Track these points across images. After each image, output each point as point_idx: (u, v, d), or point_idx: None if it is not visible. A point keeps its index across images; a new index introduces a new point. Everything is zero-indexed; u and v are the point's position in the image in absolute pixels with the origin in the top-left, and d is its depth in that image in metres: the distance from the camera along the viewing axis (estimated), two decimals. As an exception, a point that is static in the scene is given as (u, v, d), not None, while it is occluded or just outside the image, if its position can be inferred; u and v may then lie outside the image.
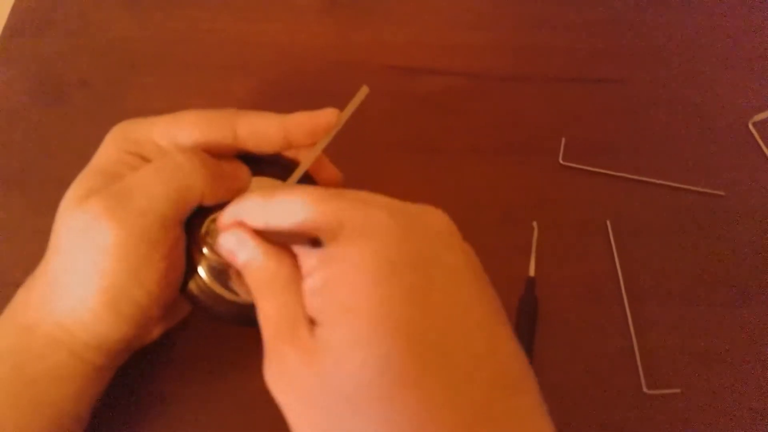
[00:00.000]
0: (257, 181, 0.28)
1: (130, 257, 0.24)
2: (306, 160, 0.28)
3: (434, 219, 0.22)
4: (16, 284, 0.26)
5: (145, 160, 0.27)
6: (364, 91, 0.28)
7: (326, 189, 0.23)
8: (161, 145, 0.27)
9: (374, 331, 0.19)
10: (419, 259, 0.20)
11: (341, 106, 0.28)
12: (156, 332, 0.29)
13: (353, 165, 0.31)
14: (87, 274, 0.24)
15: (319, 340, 0.20)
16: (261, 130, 0.27)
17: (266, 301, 0.22)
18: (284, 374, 0.20)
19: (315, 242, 0.21)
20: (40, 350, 0.24)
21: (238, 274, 0.26)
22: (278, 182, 0.28)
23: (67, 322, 0.24)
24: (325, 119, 0.27)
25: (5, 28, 0.43)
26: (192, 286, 0.27)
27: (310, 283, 0.21)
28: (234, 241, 0.24)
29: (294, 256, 0.23)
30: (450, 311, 0.20)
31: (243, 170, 0.28)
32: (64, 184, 0.26)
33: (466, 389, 0.19)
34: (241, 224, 0.24)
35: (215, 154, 0.27)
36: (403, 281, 0.19)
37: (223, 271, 0.27)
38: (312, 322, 0.20)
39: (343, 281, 0.20)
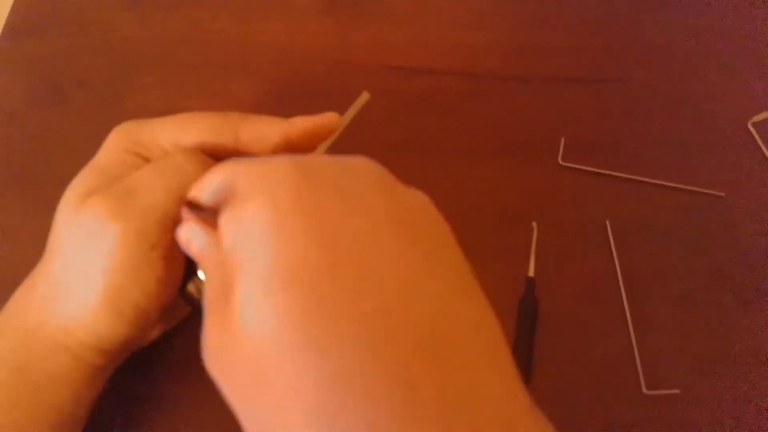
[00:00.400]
0: None
1: (130, 257, 0.24)
2: None
3: (354, 168, 0.21)
4: (16, 285, 0.26)
5: (147, 161, 0.27)
6: (364, 97, 0.28)
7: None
8: (164, 146, 0.27)
9: (270, 285, 0.18)
10: (322, 205, 0.19)
11: (341, 106, 0.28)
12: (155, 333, 0.29)
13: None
14: (87, 273, 0.24)
15: (232, 304, 0.19)
16: (263, 133, 0.27)
17: (206, 280, 0.22)
18: (214, 349, 0.20)
19: (210, 211, 0.21)
20: (41, 352, 0.24)
21: None
22: None
23: (68, 323, 0.24)
24: (325, 123, 0.27)
25: (5, 28, 0.43)
26: (191, 288, 0.27)
27: (221, 252, 0.20)
28: (186, 232, 0.23)
29: None
30: (352, 260, 0.18)
31: None
32: (63, 184, 0.26)
33: (383, 340, 0.17)
34: (190, 216, 0.24)
35: (216, 157, 0.27)
36: (294, 230, 0.18)
37: None
38: (230, 290, 0.19)
39: (244, 237, 0.19)
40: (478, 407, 0.17)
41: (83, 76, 0.41)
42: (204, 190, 0.23)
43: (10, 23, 0.44)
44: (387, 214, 0.20)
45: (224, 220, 0.20)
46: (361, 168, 0.21)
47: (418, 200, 0.22)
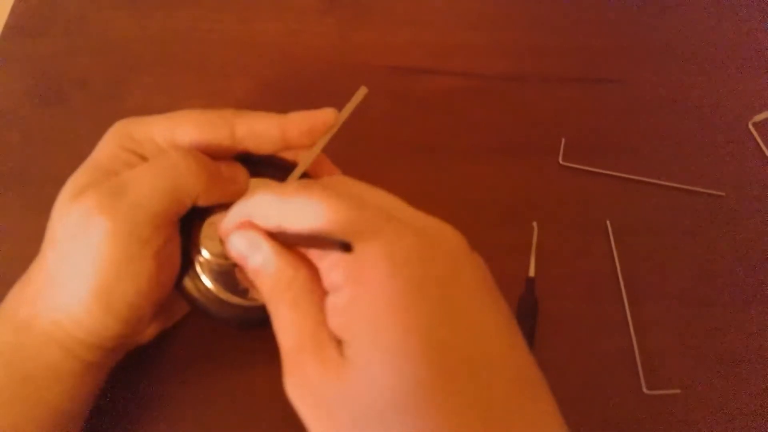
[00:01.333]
0: (254, 182, 0.28)
1: (119, 252, 0.24)
2: (304, 160, 0.28)
3: (450, 237, 0.22)
4: (14, 284, 0.26)
5: (143, 158, 0.27)
6: (362, 92, 0.28)
7: (344, 189, 0.23)
8: (159, 144, 0.27)
9: (403, 348, 0.19)
10: (441, 278, 0.21)
11: (342, 107, 0.28)
12: (151, 332, 0.29)
13: (353, 165, 0.31)
14: (79, 268, 0.24)
15: (347, 358, 0.20)
16: (259, 130, 0.27)
17: (283, 310, 0.22)
18: (308, 387, 0.21)
19: (345, 246, 0.19)
20: (34, 347, 0.24)
21: (245, 275, 0.26)
22: (276, 183, 0.28)
23: (60, 317, 0.24)
24: (323, 119, 0.27)
25: (5, 28, 0.43)
26: (190, 287, 0.27)
27: (334, 301, 0.21)
28: (245, 244, 0.23)
29: (310, 262, 0.22)
30: (471, 325, 0.20)
31: (241, 172, 0.28)
32: (62, 184, 0.26)
33: (489, 398, 0.19)
34: (251, 225, 0.23)
35: (213, 154, 0.27)
36: (427, 300, 0.20)
37: (223, 273, 0.27)
38: (337, 339, 0.21)
39: (371, 301, 0.20)
40: None
41: (83, 76, 0.41)
42: (313, 217, 0.21)
43: (10, 23, 0.44)
44: (482, 282, 0.22)
45: (347, 273, 0.21)
46: (455, 240, 0.23)
47: (479, 258, 0.23)
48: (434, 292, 0.20)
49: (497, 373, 0.20)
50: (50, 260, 0.25)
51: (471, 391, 0.19)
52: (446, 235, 0.22)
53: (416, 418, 0.19)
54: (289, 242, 0.23)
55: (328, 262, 0.21)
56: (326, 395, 0.20)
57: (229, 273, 0.27)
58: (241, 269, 0.25)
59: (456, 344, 0.20)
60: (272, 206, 0.23)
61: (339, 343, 0.20)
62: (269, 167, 0.29)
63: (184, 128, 0.27)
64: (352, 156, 0.32)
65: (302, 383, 0.21)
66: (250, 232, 0.23)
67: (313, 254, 0.22)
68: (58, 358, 0.24)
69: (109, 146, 0.27)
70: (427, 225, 0.22)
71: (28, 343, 0.24)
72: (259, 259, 0.23)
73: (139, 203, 0.24)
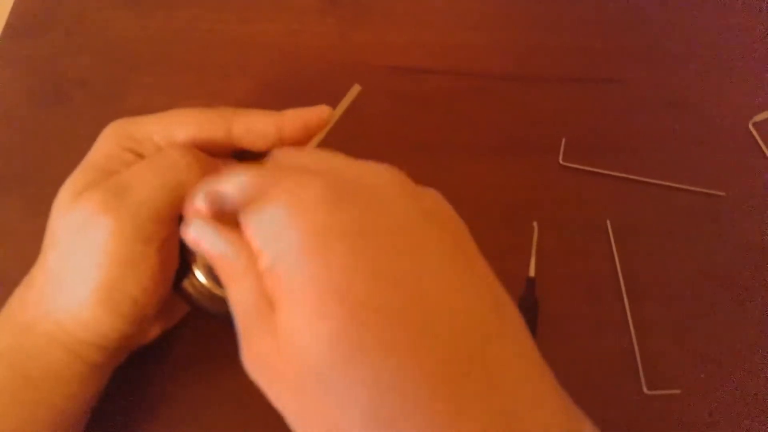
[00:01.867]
0: None
1: (124, 251, 0.24)
2: None
3: (378, 176, 0.22)
4: (16, 284, 0.26)
5: (141, 157, 0.27)
6: (355, 89, 0.28)
7: (271, 162, 0.23)
8: (157, 142, 0.27)
9: (315, 306, 0.18)
10: (353, 225, 0.20)
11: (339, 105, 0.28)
12: (153, 332, 0.29)
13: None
14: (83, 268, 0.24)
15: (278, 321, 0.20)
16: (255, 127, 0.27)
17: (231, 287, 0.22)
18: (258, 357, 0.20)
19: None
20: (37, 349, 0.24)
21: None
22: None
23: (64, 318, 0.24)
24: (318, 116, 0.27)
25: (5, 28, 0.43)
26: (187, 285, 0.27)
27: (260, 266, 0.21)
28: (195, 229, 0.23)
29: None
30: (393, 269, 0.19)
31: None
32: (63, 184, 0.26)
33: (429, 346, 0.18)
34: (199, 211, 0.23)
35: (211, 151, 0.27)
36: (335, 250, 0.19)
37: None
38: (271, 303, 0.20)
39: (287, 264, 0.19)
40: (528, 420, 0.19)
41: (83, 76, 0.41)
42: (226, 188, 0.22)
43: (10, 23, 0.44)
44: (419, 218, 0.21)
45: (264, 235, 0.20)
46: (385, 174, 0.22)
47: (434, 198, 0.23)
48: (342, 240, 0.19)
49: (435, 317, 0.19)
50: (52, 261, 0.25)
51: (403, 341, 0.18)
52: (371, 176, 0.21)
53: (350, 379, 0.18)
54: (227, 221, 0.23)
55: (254, 227, 0.21)
56: (271, 362, 0.20)
57: None
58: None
59: (370, 290, 0.18)
60: (206, 187, 0.23)
61: (272, 307, 0.20)
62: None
63: (182, 126, 0.27)
64: (351, 155, 0.32)
65: (252, 354, 0.21)
66: (197, 218, 0.23)
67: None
68: (62, 360, 0.24)
69: (106, 145, 0.27)
70: (353, 171, 0.21)
71: (31, 344, 0.24)
72: (207, 244, 0.23)
73: (141, 201, 0.24)
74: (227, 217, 0.23)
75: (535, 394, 0.20)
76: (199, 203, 0.23)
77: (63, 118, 0.40)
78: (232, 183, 0.22)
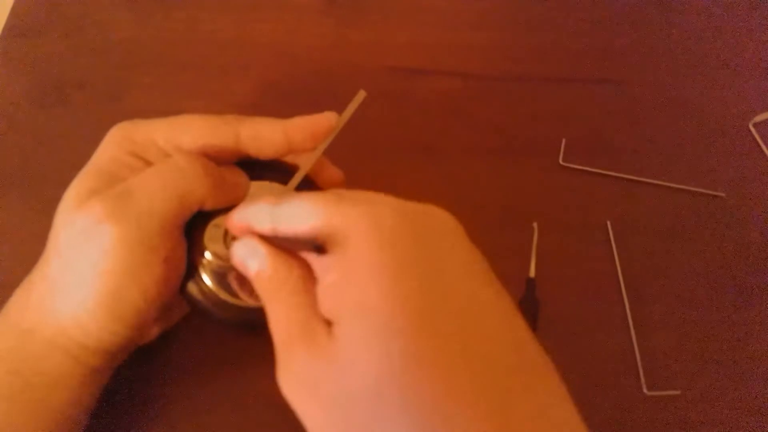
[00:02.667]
0: (256, 186, 0.28)
1: (129, 260, 0.24)
2: (305, 163, 0.28)
3: (439, 217, 0.22)
4: (15, 285, 0.26)
5: (146, 161, 0.27)
6: (361, 95, 0.28)
7: (333, 192, 0.23)
8: (162, 147, 0.27)
9: (390, 325, 0.19)
10: (427, 254, 0.20)
11: (341, 107, 0.28)
12: (153, 333, 0.29)
13: (354, 166, 0.31)
14: (86, 276, 0.24)
15: (335, 338, 0.20)
16: (263, 135, 0.27)
17: (276, 306, 0.22)
18: (299, 377, 0.20)
19: (319, 249, 0.21)
20: (39, 354, 0.24)
21: (240, 278, 0.26)
22: (278, 186, 0.28)
23: (66, 324, 0.24)
24: (324, 123, 0.27)
25: (5, 28, 0.43)
26: (194, 290, 0.27)
27: (323, 284, 0.21)
28: (245, 250, 0.24)
29: (304, 262, 0.23)
30: (463, 301, 0.20)
31: (242, 177, 0.28)
32: (63, 185, 0.26)
33: (488, 376, 0.19)
34: (250, 231, 0.24)
35: (216, 158, 0.27)
36: (414, 276, 0.20)
37: (225, 275, 0.27)
38: (327, 323, 0.20)
39: (356, 280, 0.20)
40: None
41: (83, 76, 0.41)
42: (300, 218, 0.22)
43: (10, 24, 0.43)
44: (474, 260, 0.22)
45: (335, 258, 0.21)
46: (444, 220, 0.23)
47: (476, 248, 0.23)
48: (421, 268, 0.20)
49: (495, 351, 0.19)
50: (55, 267, 0.25)
51: (465, 370, 0.19)
52: (436, 215, 0.22)
53: (407, 401, 0.18)
54: (281, 245, 0.23)
55: (321, 259, 0.22)
56: (316, 382, 0.20)
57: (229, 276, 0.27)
58: (235, 273, 0.26)
59: (443, 318, 0.19)
60: (266, 211, 0.23)
61: (329, 326, 0.20)
62: (270, 171, 0.29)
63: (188, 132, 0.27)
64: (351, 157, 0.32)
65: (292, 374, 0.21)
66: (249, 239, 0.24)
67: (308, 255, 0.23)
68: (63, 364, 0.24)
69: (110, 150, 0.27)
70: (419, 208, 0.22)
71: (32, 349, 0.24)
72: (256, 264, 0.23)
73: (147, 210, 0.24)
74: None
75: None
76: (257, 225, 0.23)
77: (63, 118, 0.40)
78: (304, 213, 0.22)
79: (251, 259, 0.23)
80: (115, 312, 0.24)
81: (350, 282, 0.20)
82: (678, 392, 0.33)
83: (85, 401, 0.26)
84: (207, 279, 0.27)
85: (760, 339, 0.35)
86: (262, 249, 0.23)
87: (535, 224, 0.38)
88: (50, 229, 0.25)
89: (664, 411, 0.33)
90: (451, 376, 0.18)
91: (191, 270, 0.27)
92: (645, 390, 0.33)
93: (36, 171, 0.38)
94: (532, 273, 0.36)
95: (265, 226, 0.23)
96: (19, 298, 0.26)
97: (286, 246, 0.23)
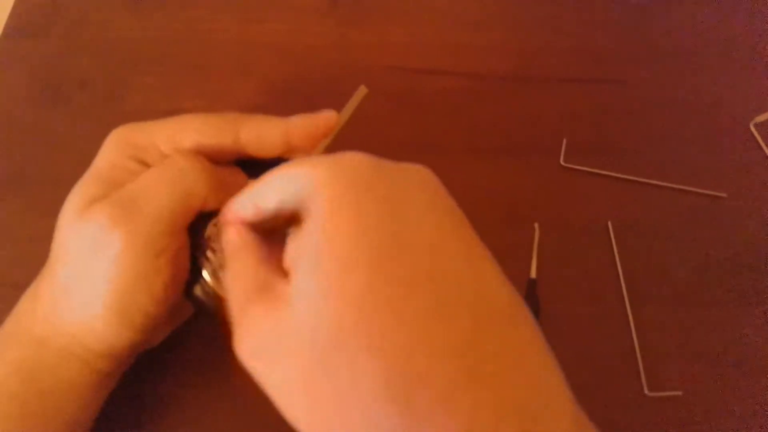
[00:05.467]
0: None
1: (136, 265, 0.23)
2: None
3: (417, 173, 0.22)
4: (16, 285, 0.26)
5: (146, 165, 0.26)
6: (362, 91, 0.28)
7: (301, 158, 0.23)
8: (162, 149, 0.27)
9: (346, 275, 0.18)
10: (390, 201, 0.19)
11: (342, 106, 0.28)
12: (161, 335, 0.29)
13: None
14: (95, 283, 0.24)
15: (293, 288, 0.19)
16: (263, 134, 0.27)
17: (234, 267, 0.22)
18: (258, 338, 0.19)
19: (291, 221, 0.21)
20: (53, 362, 0.24)
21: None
22: None
23: (78, 332, 0.24)
24: (324, 121, 0.27)
25: (5, 28, 0.43)
26: (197, 290, 0.27)
27: (290, 237, 0.21)
28: (234, 238, 0.23)
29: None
30: (428, 249, 0.19)
31: (240, 176, 0.28)
32: (63, 185, 0.26)
33: (453, 325, 0.18)
34: (238, 220, 0.23)
35: (216, 158, 0.27)
36: (375, 225, 0.19)
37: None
38: (284, 273, 0.20)
39: (315, 228, 0.19)
40: (540, 423, 0.18)
41: (83, 76, 0.41)
42: (275, 190, 0.22)
43: (10, 24, 0.43)
44: (443, 208, 0.21)
45: (302, 214, 0.20)
46: (419, 174, 0.22)
47: (454, 203, 0.23)
48: (384, 218, 0.19)
49: (461, 298, 0.18)
50: (62, 276, 0.25)
51: (428, 319, 0.18)
52: (413, 170, 0.22)
53: (369, 353, 0.17)
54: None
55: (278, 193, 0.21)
56: (275, 337, 0.19)
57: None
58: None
59: (405, 266, 0.18)
60: (247, 196, 0.23)
61: (287, 278, 0.20)
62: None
63: (188, 133, 0.26)
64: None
65: (249, 336, 0.20)
66: (235, 226, 0.23)
67: None
68: (76, 371, 0.25)
69: (110, 154, 0.26)
70: (393, 164, 0.22)
71: (46, 358, 0.24)
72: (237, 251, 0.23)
73: (152, 215, 0.24)
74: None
75: (549, 396, 0.19)
76: (243, 213, 0.23)
77: (63, 118, 0.40)
78: (270, 184, 0.22)
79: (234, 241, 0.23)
80: (126, 317, 0.24)
81: (310, 231, 0.19)
82: (679, 393, 0.33)
83: (95, 405, 0.26)
84: (209, 278, 0.27)
85: (761, 339, 0.35)
86: (242, 229, 0.23)
87: (536, 225, 0.38)
88: (53, 236, 0.25)
89: (665, 412, 0.33)
90: (412, 327, 0.17)
91: (193, 270, 0.27)
92: (646, 391, 0.33)
93: (36, 171, 0.38)
94: (533, 273, 0.36)
95: (249, 212, 0.23)
96: (27, 307, 0.25)
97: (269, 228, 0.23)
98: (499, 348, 0.18)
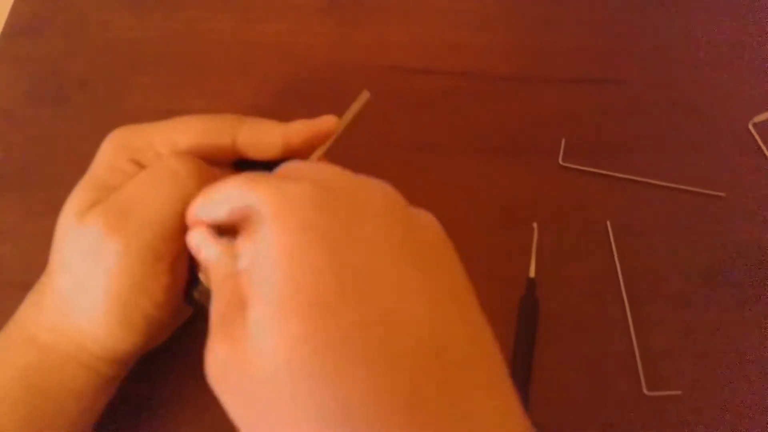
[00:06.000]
0: None
1: (136, 271, 0.24)
2: None
3: (369, 191, 0.21)
4: (16, 285, 0.26)
5: (143, 167, 0.26)
6: (364, 96, 0.27)
7: (257, 172, 0.23)
8: (159, 151, 0.26)
9: (284, 310, 0.18)
10: (343, 234, 0.19)
11: (342, 106, 0.28)
12: (162, 336, 0.29)
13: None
14: (94, 290, 0.24)
15: (246, 320, 0.19)
16: (261, 138, 0.27)
17: (215, 296, 0.22)
18: (217, 364, 0.20)
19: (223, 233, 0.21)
20: (57, 368, 0.24)
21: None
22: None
23: (80, 338, 0.24)
24: (324, 127, 0.27)
25: (5, 28, 0.43)
26: (197, 295, 0.27)
27: (239, 265, 0.20)
28: (197, 239, 0.23)
29: None
30: (369, 281, 0.18)
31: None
32: (63, 185, 0.26)
33: (397, 365, 0.17)
34: (199, 222, 0.23)
35: (214, 160, 0.27)
36: (314, 252, 0.18)
37: None
38: (244, 308, 0.20)
39: (261, 261, 0.19)
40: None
41: (83, 76, 0.41)
42: (219, 203, 0.22)
43: (10, 23, 0.43)
44: (395, 236, 0.20)
45: (242, 239, 0.21)
46: (377, 188, 0.21)
47: (426, 219, 0.22)
48: (322, 244, 0.19)
49: (406, 337, 0.18)
50: (63, 283, 0.25)
51: (367, 359, 0.17)
52: (367, 189, 0.21)
53: (305, 391, 0.17)
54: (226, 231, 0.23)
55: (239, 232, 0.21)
56: (228, 367, 0.19)
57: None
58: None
59: (343, 302, 0.18)
60: (201, 202, 0.23)
61: (244, 308, 0.19)
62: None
63: (186, 134, 0.26)
64: (352, 156, 0.32)
65: (213, 361, 0.20)
66: (199, 227, 0.23)
67: None
68: (80, 376, 0.25)
69: (107, 157, 0.26)
70: (344, 183, 0.21)
71: (50, 364, 0.24)
72: (204, 252, 0.23)
73: (149, 220, 0.24)
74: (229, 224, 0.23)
75: (495, 424, 0.19)
76: (195, 214, 0.23)
77: (63, 118, 0.40)
78: (223, 190, 0.22)
79: (201, 246, 0.23)
80: (129, 322, 0.24)
81: (258, 264, 0.19)
82: (678, 392, 0.33)
83: (97, 409, 0.26)
84: (203, 279, 0.27)
85: (761, 339, 0.35)
86: (209, 237, 0.23)
87: (535, 224, 0.38)
88: (53, 242, 0.25)
89: (664, 411, 0.33)
90: (350, 368, 0.17)
91: (190, 272, 0.27)
92: (645, 390, 0.33)
93: (36, 171, 0.38)
94: (532, 273, 0.36)
95: (204, 216, 0.23)
96: (28, 315, 0.25)
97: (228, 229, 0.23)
98: (446, 397, 0.18)
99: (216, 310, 0.21)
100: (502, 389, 0.20)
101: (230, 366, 0.19)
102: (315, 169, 0.23)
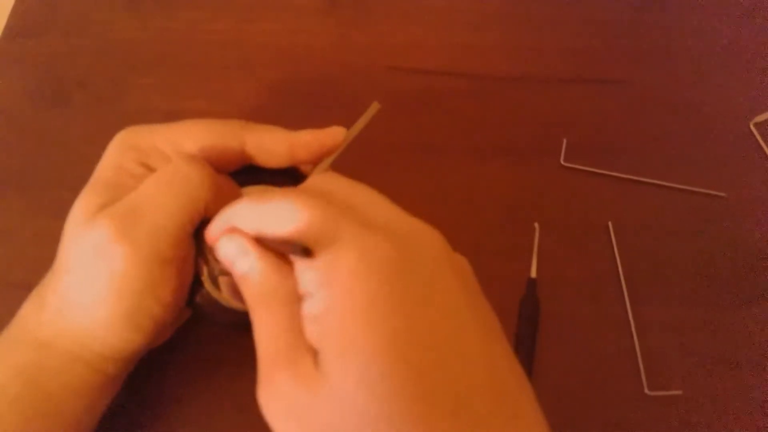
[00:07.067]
0: (252, 189, 0.28)
1: (143, 276, 0.23)
2: (313, 175, 0.28)
3: (429, 241, 0.22)
4: (16, 285, 0.26)
5: (151, 168, 0.26)
6: (374, 108, 0.27)
7: (318, 192, 0.22)
8: (165, 154, 0.26)
9: (377, 366, 0.18)
10: (414, 288, 0.20)
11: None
12: (165, 336, 0.29)
13: (354, 165, 0.31)
14: (102, 294, 0.24)
15: (321, 372, 0.19)
16: (268, 146, 0.27)
17: (264, 316, 0.21)
18: (281, 401, 0.20)
19: (306, 251, 0.20)
20: (57, 365, 0.24)
21: (232, 283, 0.25)
22: (273, 189, 0.28)
23: (84, 337, 0.24)
24: (331, 139, 0.27)
25: (5, 28, 0.43)
26: (200, 299, 0.27)
27: (308, 308, 0.20)
28: (233, 249, 0.23)
29: (293, 270, 0.22)
30: (449, 340, 0.20)
31: (233, 185, 0.28)
32: (63, 185, 0.26)
33: (467, 417, 0.19)
34: (237, 230, 0.23)
35: (218, 165, 0.27)
36: (399, 313, 0.19)
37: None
38: (312, 351, 0.20)
39: (344, 311, 0.19)
40: None
41: (83, 76, 0.41)
42: (283, 218, 0.21)
43: (10, 24, 0.43)
44: (462, 289, 0.21)
45: (320, 277, 0.20)
46: (434, 244, 0.22)
47: (463, 261, 0.23)
48: (407, 304, 0.19)
49: (475, 389, 0.19)
50: (68, 285, 0.24)
51: (447, 413, 0.19)
52: (425, 242, 0.22)
53: None
54: (269, 248, 0.22)
55: (302, 265, 0.21)
56: (298, 409, 0.19)
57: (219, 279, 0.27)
58: (228, 279, 0.25)
59: (430, 361, 0.19)
60: (250, 212, 0.22)
61: (314, 354, 0.20)
62: (276, 175, 0.28)
63: (192, 139, 0.26)
64: (352, 156, 0.32)
65: (274, 395, 0.20)
66: (238, 237, 0.22)
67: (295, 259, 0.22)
68: (82, 375, 0.25)
69: (114, 159, 0.26)
70: (406, 230, 0.21)
71: (51, 362, 0.24)
72: (245, 265, 0.22)
73: (157, 225, 0.24)
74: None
75: None
76: (242, 226, 0.22)
77: (63, 118, 0.40)
78: (287, 213, 0.21)
79: (240, 258, 0.22)
80: (134, 324, 0.24)
81: (336, 316, 0.19)
82: (680, 392, 0.33)
83: (99, 408, 0.26)
84: (208, 285, 0.27)
85: (761, 339, 0.35)
86: (252, 250, 0.22)
87: (536, 224, 0.38)
88: (60, 243, 0.25)
89: (665, 411, 0.33)
90: (433, 422, 0.18)
91: (194, 277, 0.27)
92: (646, 390, 0.33)
93: (36, 171, 0.38)
94: (533, 273, 0.36)
95: (249, 228, 0.22)
96: (31, 312, 0.25)
97: (271, 247, 0.22)
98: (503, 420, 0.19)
99: (276, 340, 0.21)
100: (539, 419, 0.21)
101: (302, 404, 0.19)
102: (363, 197, 0.23)
